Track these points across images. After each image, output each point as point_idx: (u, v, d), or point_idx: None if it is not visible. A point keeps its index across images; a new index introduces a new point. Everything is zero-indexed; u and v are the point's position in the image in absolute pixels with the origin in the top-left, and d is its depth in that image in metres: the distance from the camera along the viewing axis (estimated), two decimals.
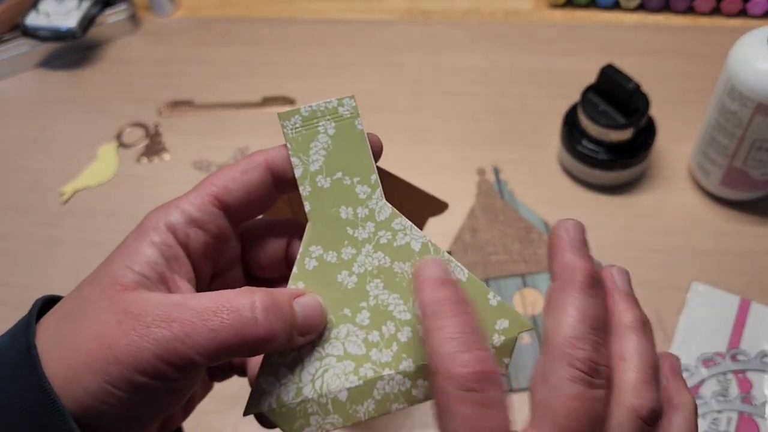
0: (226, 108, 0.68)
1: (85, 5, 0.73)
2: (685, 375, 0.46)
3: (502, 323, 0.27)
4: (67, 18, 0.71)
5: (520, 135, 0.62)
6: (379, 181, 0.28)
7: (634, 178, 0.57)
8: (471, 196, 0.58)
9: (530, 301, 0.50)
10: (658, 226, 0.54)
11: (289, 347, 0.26)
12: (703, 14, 0.72)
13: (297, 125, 0.28)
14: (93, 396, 0.23)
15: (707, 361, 0.47)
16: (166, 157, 0.64)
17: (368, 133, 0.28)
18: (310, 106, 0.28)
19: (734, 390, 0.45)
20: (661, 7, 0.72)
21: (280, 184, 0.28)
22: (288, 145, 0.28)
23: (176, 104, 0.69)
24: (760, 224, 0.54)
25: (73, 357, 0.24)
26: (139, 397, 0.24)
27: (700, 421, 0.44)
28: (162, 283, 0.26)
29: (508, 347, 0.27)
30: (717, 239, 0.53)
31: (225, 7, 0.80)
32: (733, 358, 0.47)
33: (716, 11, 0.71)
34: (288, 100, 0.68)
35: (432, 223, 0.56)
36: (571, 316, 0.24)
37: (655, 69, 0.67)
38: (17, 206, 0.61)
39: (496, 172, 0.59)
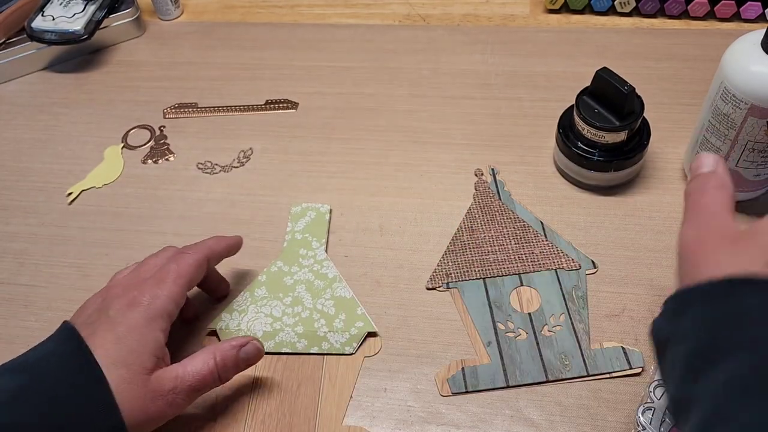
0: (230, 111, 0.69)
1: (91, 9, 0.74)
2: None
3: (359, 324, 0.50)
4: (73, 22, 0.72)
5: (516, 137, 0.63)
6: (325, 242, 0.55)
7: (628, 179, 0.58)
8: (469, 197, 0.59)
9: (526, 299, 0.51)
10: (653, 226, 0.55)
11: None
12: (697, 18, 0.73)
13: (298, 210, 0.57)
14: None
15: None
16: (171, 158, 0.65)
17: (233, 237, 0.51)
18: (308, 205, 0.57)
19: None
20: (655, 11, 0.73)
21: (214, 261, 0.49)
22: (289, 218, 0.57)
23: (181, 107, 0.70)
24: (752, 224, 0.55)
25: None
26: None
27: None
28: (163, 358, 0.42)
29: (357, 339, 0.49)
30: None
31: (228, 12, 0.82)
32: None
33: (710, 15, 0.72)
34: (290, 103, 0.69)
35: (432, 223, 0.57)
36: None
37: (650, 72, 0.68)
38: (24, 206, 0.62)
39: (494, 173, 0.60)
